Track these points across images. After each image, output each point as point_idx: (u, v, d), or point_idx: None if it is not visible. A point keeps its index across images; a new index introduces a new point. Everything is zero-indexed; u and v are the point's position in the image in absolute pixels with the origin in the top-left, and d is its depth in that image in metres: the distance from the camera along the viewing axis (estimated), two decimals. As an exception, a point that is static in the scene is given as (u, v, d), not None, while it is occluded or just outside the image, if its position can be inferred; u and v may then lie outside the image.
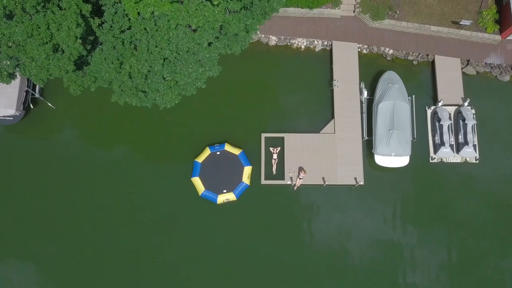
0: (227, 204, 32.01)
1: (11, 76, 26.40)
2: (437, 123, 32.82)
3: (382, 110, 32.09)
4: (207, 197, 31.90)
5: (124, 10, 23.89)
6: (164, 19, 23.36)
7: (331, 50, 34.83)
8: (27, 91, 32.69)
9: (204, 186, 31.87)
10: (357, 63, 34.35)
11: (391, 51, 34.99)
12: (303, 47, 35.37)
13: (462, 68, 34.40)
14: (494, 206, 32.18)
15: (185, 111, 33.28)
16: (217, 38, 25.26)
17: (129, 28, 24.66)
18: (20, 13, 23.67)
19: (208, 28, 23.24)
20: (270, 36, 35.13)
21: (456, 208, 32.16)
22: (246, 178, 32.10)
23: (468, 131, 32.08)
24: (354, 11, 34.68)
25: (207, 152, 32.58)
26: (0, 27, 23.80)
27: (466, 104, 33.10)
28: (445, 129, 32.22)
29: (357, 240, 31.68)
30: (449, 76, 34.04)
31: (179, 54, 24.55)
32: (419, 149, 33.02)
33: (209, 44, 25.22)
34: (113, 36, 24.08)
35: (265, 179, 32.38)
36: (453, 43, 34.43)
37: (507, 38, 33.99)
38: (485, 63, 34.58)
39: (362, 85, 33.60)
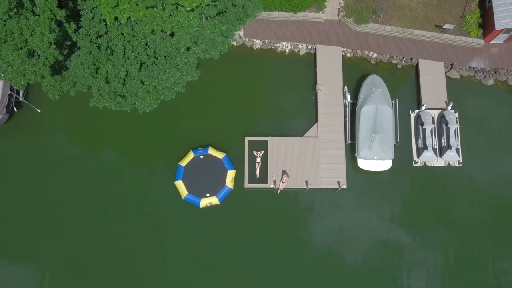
0: (210, 208, 32.07)
1: (-9, 81, 26.51)
2: (420, 127, 32.82)
3: (365, 114, 32.12)
4: (190, 201, 31.95)
5: (101, 15, 23.95)
6: (141, 24, 23.43)
7: (315, 54, 34.86)
8: (10, 95, 32.75)
9: (187, 190, 31.90)
10: (341, 67, 34.39)
11: (375, 55, 35.01)
12: (287, 50, 35.42)
13: (446, 72, 34.40)
14: (476, 209, 32.21)
15: (169, 114, 33.50)
16: (196, 43, 25.30)
17: (106, 33, 24.71)
18: (-8, 19, 23.63)
19: (184, 33, 23.29)
20: (255, 40, 35.19)
21: (439, 211, 32.20)
22: (229, 182, 32.11)
23: (451, 135, 32.12)
24: (338, 15, 34.70)
25: (190, 155, 32.62)
26: None
27: (449, 108, 33.08)
28: (428, 133, 32.24)
29: (339, 243, 31.69)
30: (433, 80, 34.06)
31: (157, 58, 24.61)
32: (402, 153, 33.08)
33: (188, 49, 25.27)
34: (90, 41, 24.12)
35: (249, 182, 32.43)
36: (437, 47, 34.45)
37: (491, 42, 34.04)
38: (469, 67, 34.58)
39: (346, 88, 33.64)
